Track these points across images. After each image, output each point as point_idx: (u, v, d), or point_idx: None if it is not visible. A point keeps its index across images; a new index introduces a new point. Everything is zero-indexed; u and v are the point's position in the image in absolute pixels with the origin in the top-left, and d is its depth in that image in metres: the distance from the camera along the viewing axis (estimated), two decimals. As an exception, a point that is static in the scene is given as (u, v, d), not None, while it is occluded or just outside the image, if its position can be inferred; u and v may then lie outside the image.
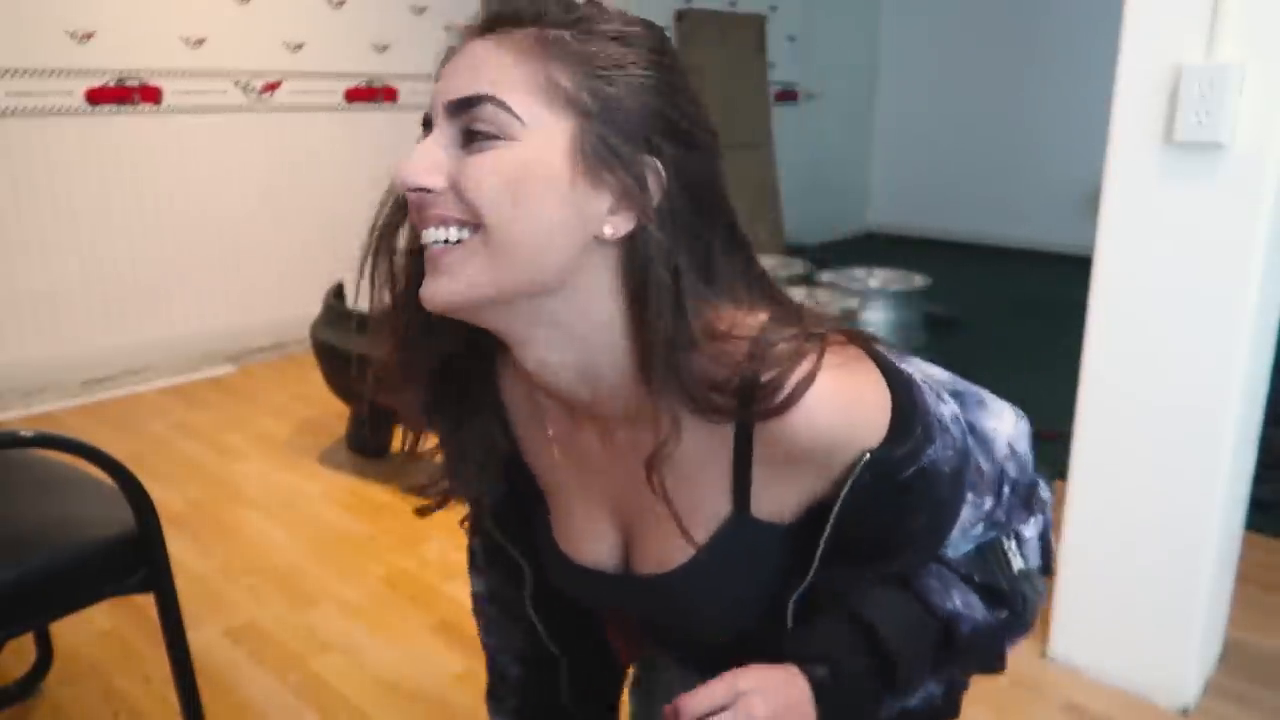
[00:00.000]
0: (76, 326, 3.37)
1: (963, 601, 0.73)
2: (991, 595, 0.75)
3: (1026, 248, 6.02)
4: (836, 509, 0.66)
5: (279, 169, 3.82)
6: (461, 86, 0.62)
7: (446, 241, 0.63)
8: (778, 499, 0.69)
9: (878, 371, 0.65)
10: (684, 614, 0.77)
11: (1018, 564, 0.76)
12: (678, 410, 0.65)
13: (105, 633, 1.86)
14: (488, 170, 0.62)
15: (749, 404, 0.63)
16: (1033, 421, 0.81)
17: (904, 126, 6.59)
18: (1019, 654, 1.78)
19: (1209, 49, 1.42)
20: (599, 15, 0.65)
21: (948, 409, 0.70)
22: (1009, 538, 0.77)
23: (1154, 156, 1.50)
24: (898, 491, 0.66)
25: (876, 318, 3.85)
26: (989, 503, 0.74)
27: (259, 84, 3.71)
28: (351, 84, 3.99)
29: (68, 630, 1.82)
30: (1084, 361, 1.65)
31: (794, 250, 5.66)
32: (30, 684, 1.68)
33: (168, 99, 3.47)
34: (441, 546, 2.24)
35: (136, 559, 1.27)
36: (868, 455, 0.64)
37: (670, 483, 0.67)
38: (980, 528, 0.75)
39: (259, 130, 3.74)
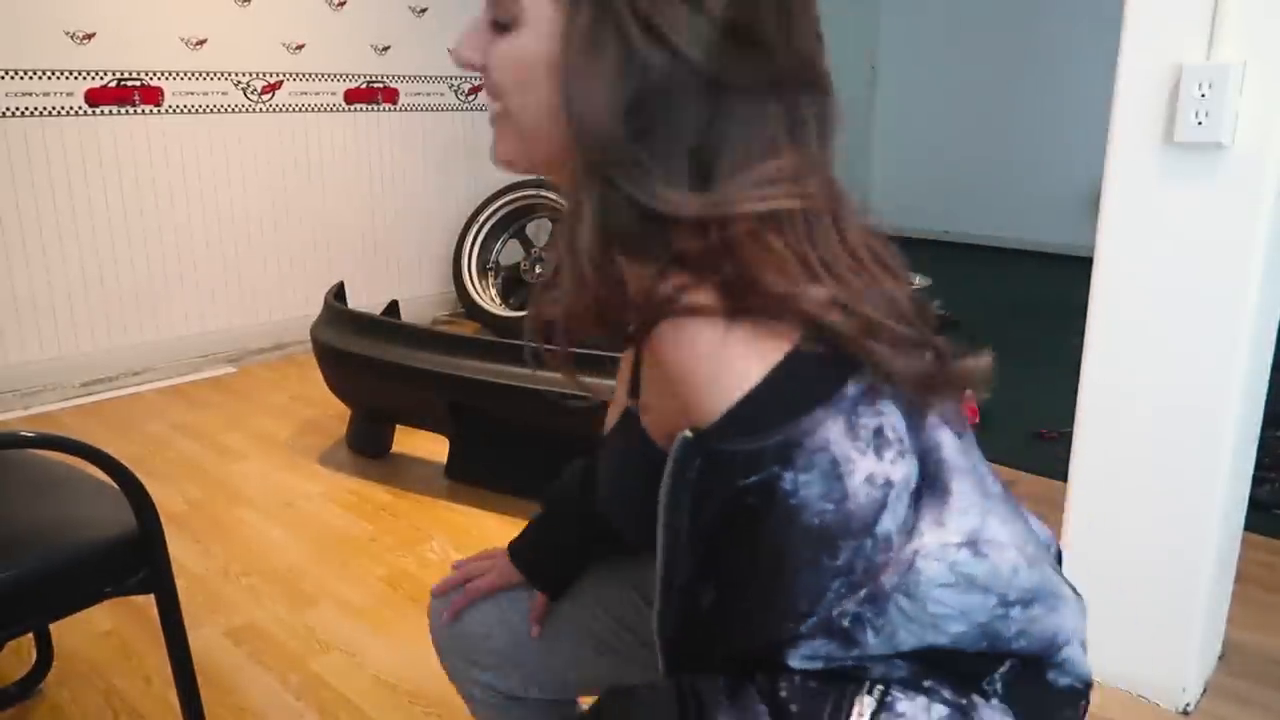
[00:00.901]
0: (76, 327, 3.37)
1: None
2: None
3: (1026, 248, 6.02)
4: (666, 485, 0.62)
5: (279, 170, 3.83)
6: None
7: (492, 112, 0.70)
8: (655, 409, 0.71)
9: (766, 361, 0.58)
10: (605, 486, 0.84)
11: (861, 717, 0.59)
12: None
13: (105, 633, 1.87)
14: (499, 59, 0.66)
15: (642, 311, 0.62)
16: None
17: (904, 126, 6.59)
18: (1019, 654, 1.78)
19: (1209, 49, 1.42)
20: None
21: (872, 466, 0.59)
22: (875, 688, 0.60)
23: (1154, 156, 1.50)
24: (736, 496, 0.59)
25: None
26: (848, 602, 0.59)
27: (259, 84, 3.71)
28: (351, 85, 3.99)
29: (68, 630, 1.82)
30: (1084, 361, 1.65)
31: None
32: (30, 684, 1.68)
33: (168, 100, 3.48)
34: (442, 546, 2.24)
35: (137, 559, 1.27)
36: (689, 433, 0.60)
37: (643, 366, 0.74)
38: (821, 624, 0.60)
39: (259, 131, 3.74)
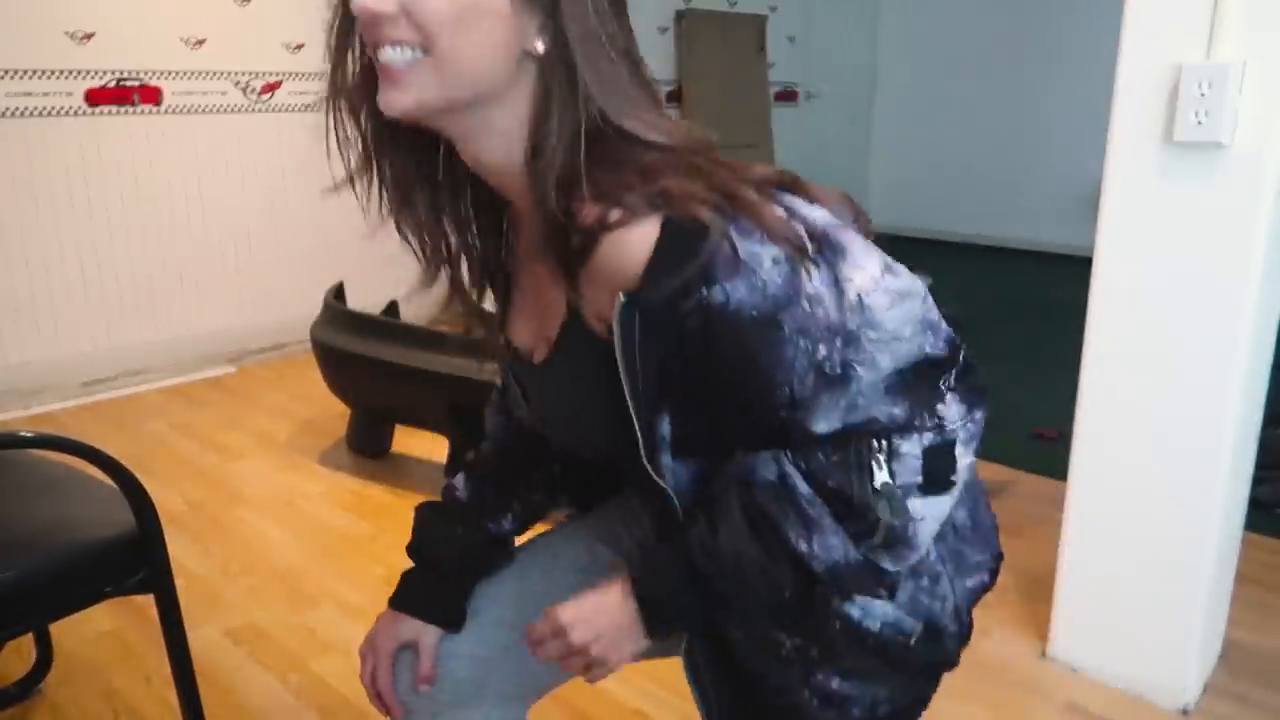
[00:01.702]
0: (76, 327, 3.37)
1: (820, 545, 0.73)
2: (842, 506, 0.73)
3: (1026, 248, 6.02)
4: (618, 347, 0.72)
5: (278, 169, 3.82)
6: None
7: (402, 59, 0.71)
8: (597, 310, 0.75)
9: (659, 216, 0.70)
10: (552, 412, 0.90)
11: (881, 477, 0.72)
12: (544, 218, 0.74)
13: (105, 633, 1.87)
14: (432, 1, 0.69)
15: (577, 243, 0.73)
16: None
17: (904, 126, 6.59)
18: (1019, 654, 1.78)
19: (1209, 49, 1.42)
20: None
21: (771, 251, 0.70)
22: (881, 441, 0.72)
23: (1154, 156, 1.50)
24: (680, 329, 0.71)
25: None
26: (821, 350, 0.71)
27: (258, 84, 3.71)
28: (351, 84, 3.98)
29: (68, 630, 1.82)
30: (1084, 362, 1.65)
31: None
32: (30, 684, 1.68)
33: (168, 99, 3.48)
34: (441, 547, 2.24)
35: (136, 559, 1.27)
36: (623, 297, 0.70)
37: (546, 284, 0.79)
38: (828, 397, 0.72)
39: (259, 131, 3.74)
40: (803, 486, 0.73)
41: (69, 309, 3.34)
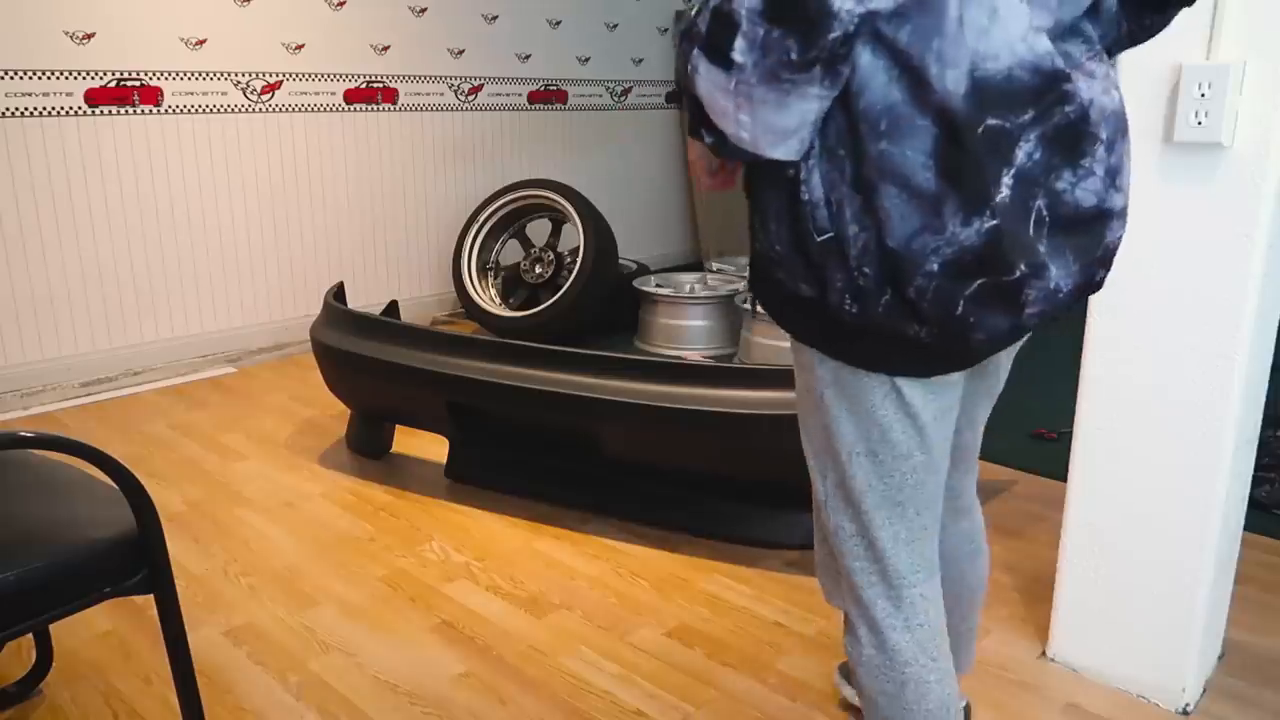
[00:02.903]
0: (76, 327, 3.37)
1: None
2: None
3: (1026, 248, 6.01)
4: None
5: (279, 170, 3.83)
6: None
7: None
8: None
9: None
10: None
11: None
12: None
13: (105, 633, 1.87)
14: None
15: None
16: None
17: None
18: (1019, 654, 1.78)
19: (1209, 49, 1.42)
20: None
21: None
22: None
23: (1154, 156, 1.50)
24: None
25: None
26: None
27: (259, 85, 3.71)
28: (351, 85, 3.99)
29: (68, 630, 1.82)
30: (1084, 361, 1.65)
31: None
32: (30, 684, 1.68)
33: (168, 100, 3.48)
34: (441, 546, 2.24)
35: (137, 560, 1.27)
36: None
37: None
38: None
39: (259, 131, 3.74)
40: None
41: (69, 309, 3.34)
